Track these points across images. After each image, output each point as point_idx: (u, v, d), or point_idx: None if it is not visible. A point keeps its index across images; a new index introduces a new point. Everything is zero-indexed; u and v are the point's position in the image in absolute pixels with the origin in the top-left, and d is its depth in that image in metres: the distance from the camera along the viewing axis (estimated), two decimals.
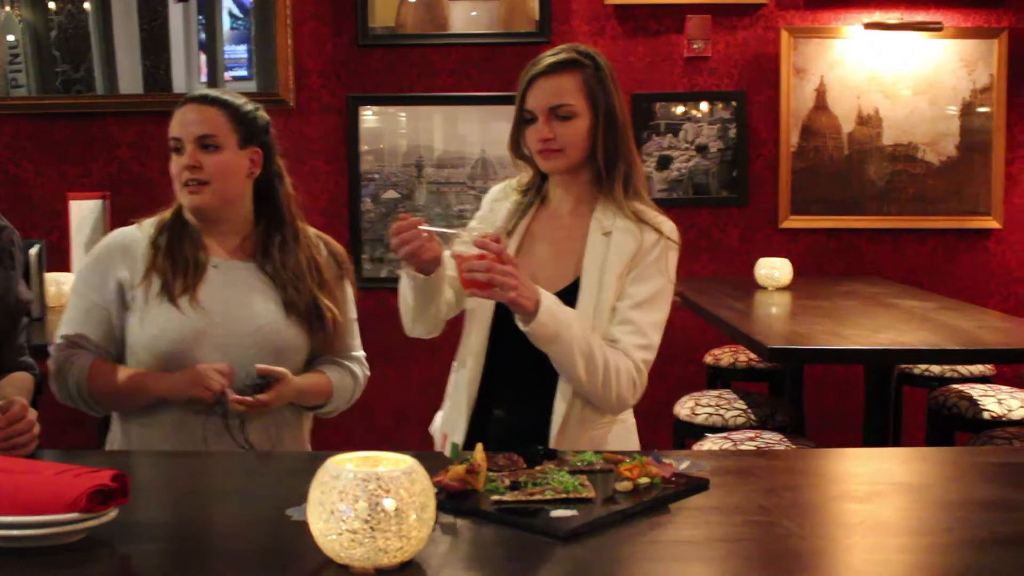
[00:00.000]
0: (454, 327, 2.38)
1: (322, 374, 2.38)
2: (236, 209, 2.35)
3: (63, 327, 2.31)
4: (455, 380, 2.34)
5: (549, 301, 2.07)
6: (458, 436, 2.25)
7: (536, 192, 2.34)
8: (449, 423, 2.31)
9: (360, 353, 2.49)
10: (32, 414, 1.89)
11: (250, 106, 2.36)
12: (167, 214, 2.37)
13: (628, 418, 2.32)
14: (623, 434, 2.29)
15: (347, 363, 2.44)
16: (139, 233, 2.35)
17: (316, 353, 2.41)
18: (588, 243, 2.23)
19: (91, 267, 2.35)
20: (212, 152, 2.28)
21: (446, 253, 2.16)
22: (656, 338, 2.21)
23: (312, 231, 2.44)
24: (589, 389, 2.13)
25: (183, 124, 2.30)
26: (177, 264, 2.29)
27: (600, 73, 2.22)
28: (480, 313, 2.26)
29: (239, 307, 2.30)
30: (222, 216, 2.34)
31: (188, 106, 2.32)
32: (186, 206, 2.32)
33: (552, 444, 2.17)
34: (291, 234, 2.37)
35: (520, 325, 2.07)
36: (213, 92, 2.36)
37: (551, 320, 2.06)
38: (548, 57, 2.23)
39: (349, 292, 2.46)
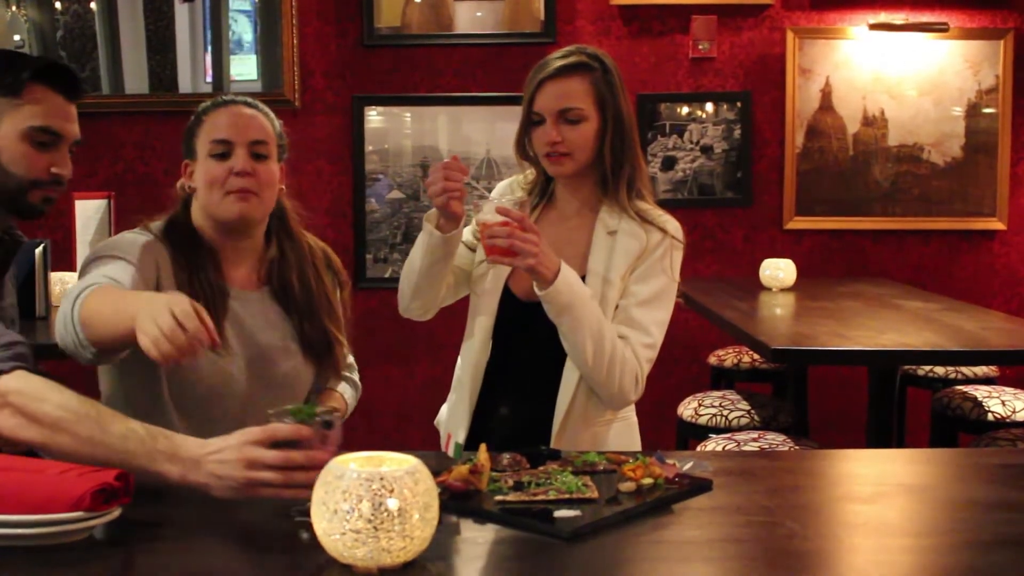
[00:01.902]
0: (458, 325, 2.39)
1: (336, 392, 2.30)
2: (262, 227, 2.17)
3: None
4: (459, 376, 2.35)
5: (568, 273, 2.10)
6: (462, 433, 2.26)
7: (541, 193, 2.35)
8: (453, 420, 2.32)
9: (351, 359, 2.39)
10: None
11: (273, 115, 2.20)
12: (174, 224, 2.13)
13: (630, 415, 2.33)
14: (625, 431, 2.30)
15: (348, 374, 2.36)
16: (157, 243, 2.08)
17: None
18: (593, 242, 2.24)
19: (126, 248, 2.02)
20: (262, 161, 2.09)
21: (471, 231, 2.19)
22: (659, 337, 2.22)
23: (311, 239, 2.28)
24: (594, 374, 2.14)
25: (235, 126, 2.09)
26: (203, 296, 2.02)
27: (608, 76, 2.23)
28: (484, 308, 2.27)
29: (262, 349, 2.12)
30: (250, 233, 2.14)
31: (235, 108, 2.12)
32: (230, 215, 2.07)
33: (554, 440, 2.18)
34: (302, 256, 2.21)
35: (537, 290, 2.10)
36: (252, 99, 2.17)
37: (567, 290, 2.08)
38: (557, 60, 2.23)
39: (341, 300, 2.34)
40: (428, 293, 2.27)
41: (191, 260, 2.07)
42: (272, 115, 2.18)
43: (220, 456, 1.59)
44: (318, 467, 1.41)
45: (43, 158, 1.99)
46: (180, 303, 1.63)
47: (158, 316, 1.60)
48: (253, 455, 1.57)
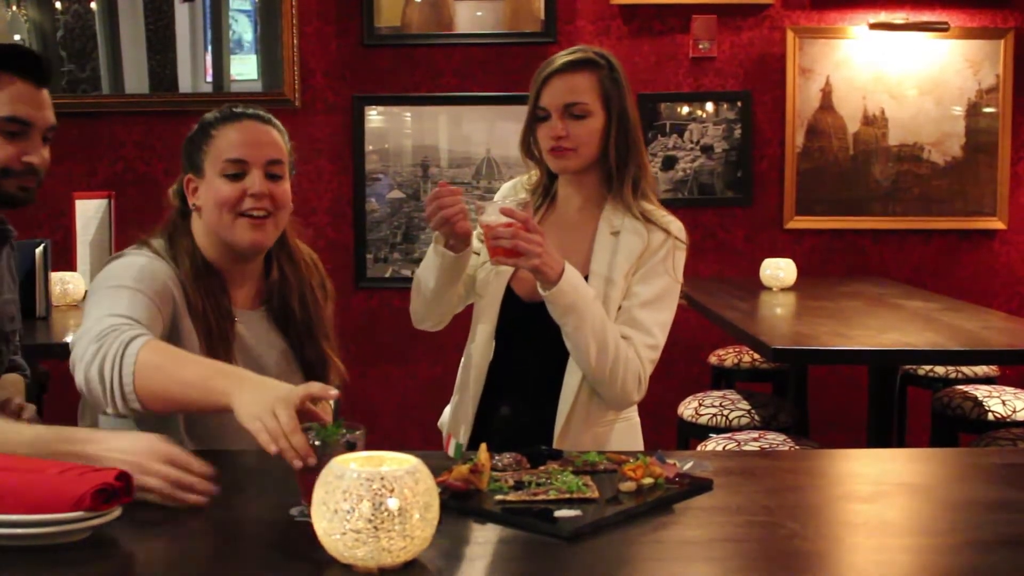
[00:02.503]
0: (459, 325, 2.39)
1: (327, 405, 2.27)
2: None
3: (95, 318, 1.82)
4: (463, 377, 2.35)
5: (572, 273, 2.10)
6: (464, 434, 2.26)
7: (544, 193, 2.35)
8: (455, 420, 2.32)
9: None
10: (29, 411, 1.87)
11: (283, 127, 2.10)
12: (177, 243, 2.02)
13: (632, 416, 2.33)
14: (628, 432, 2.30)
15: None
16: (167, 268, 1.97)
17: None
18: (596, 242, 2.24)
19: (143, 278, 1.91)
20: (278, 181, 1.99)
21: (475, 235, 2.20)
22: (662, 338, 2.22)
23: (305, 251, 2.19)
24: (597, 374, 2.13)
25: (251, 145, 1.98)
26: (215, 325, 1.97)
27: (615, 74, 2.25)
28: (487, 310, 2.28)
29: (267, 370, 2.01)
30: (258, 256, 2.06)
31: (249, 123, 2.00)
32: (242, 242, 1.98)
33: (556, 441, 2.18)
34: (302, 278, 2.12)
35: (540, 291, 2.10)
36: (263, 112, 2.06)
37: (571, 290, 2.08)
38: (564, 56, 2.25)
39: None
40: (442, 307, 2.28)
41: (200, 286, 1.97)
42: (282, 127, 2.08)
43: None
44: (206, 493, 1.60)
45: (13, 148, 1.94)
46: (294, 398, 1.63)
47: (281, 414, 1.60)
48: (147, 465, 1.59)
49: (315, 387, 1.66)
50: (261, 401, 1.61)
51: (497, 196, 2.41)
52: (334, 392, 1.65)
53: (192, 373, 1.72)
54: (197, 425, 1.97)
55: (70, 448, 1.63)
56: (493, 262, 2.12)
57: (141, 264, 1.94)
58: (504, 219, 2.04)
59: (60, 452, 1.62)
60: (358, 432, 1.61)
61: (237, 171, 1.96)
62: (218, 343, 1.95)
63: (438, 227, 2.12)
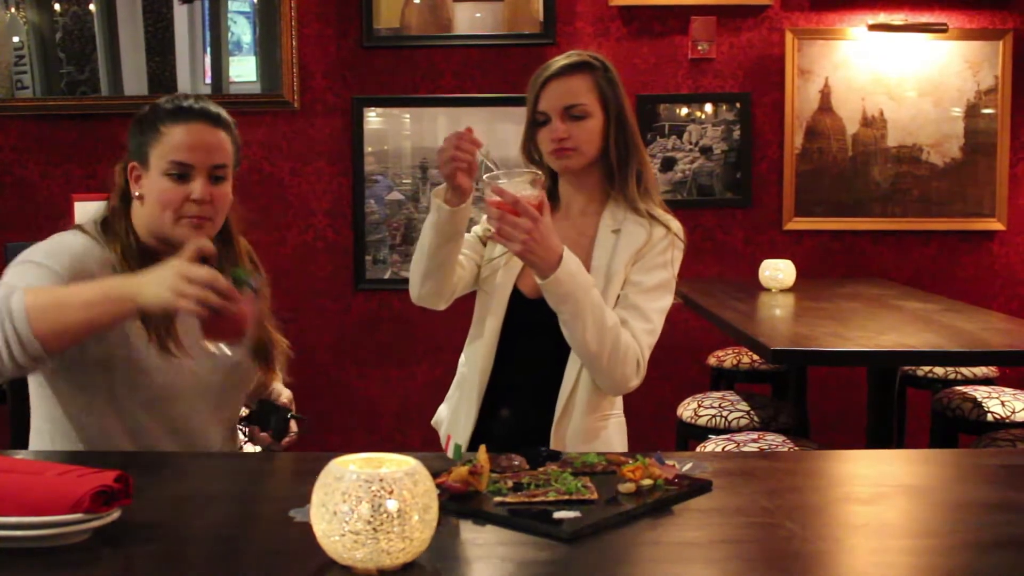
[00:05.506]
0: (458, 327, 2.39)
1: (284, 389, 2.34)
2: None
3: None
4: (464, 374, 2.35)
5: (571, 261, 2.08)
6: (464, 435, 2.26)
7: (549, 195, 2.35)
8: (455, 422, 2.32)
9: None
10: None
11: (232, 120, 2.09)
12: (112, 226, 2.04)
13: (620, 413, 2.35)
14: (620, 429, 2.32)
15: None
16: (97, 248, 2.02)
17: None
18: (597, 240, 2.26)
19: (57, 254, 1.96)
20: (220, 184, 2.02)
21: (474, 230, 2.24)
22: (659, 324, 2.25)
23: (244, 248, 2.21)
24: (596, 362, 2.14)
25: (198, 150, 1.99)
26: None
27: (610, 75, 2.28)
28: (494, 308, 2.28)
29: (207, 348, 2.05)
30: None
31: (198, 126, 2.01)
32: (181, 240, 1.96)
33: (553, 430, 2.22)
34: (236, 263, 2.12)
35: (536, 279, 2.10)
36: (212, 107, 2.06)
37: (568, 279, 2.07)
38: (560, 60, 2.27)
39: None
40: (438, 275, 2.24)
41: (135, 266, 1.96)
42: (232, 125, 2.08)
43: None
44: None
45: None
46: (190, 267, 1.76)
47: (190, 272, 1.73)
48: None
49: (197, 243, 1.82)
50: (164, 279, 1.73)
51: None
52: (206, 244, 1.83)
53: (88, 293, 1.79)
54: (140, 394, 2.01)
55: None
56: (494, 238, 2.13)
57: (62, 241, 2.00)
58: (498, 198, 2.03)
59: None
60: (260, 279, 1.92)
61: (182, 172, 1.99)
62: (159, 319, 1.95)
63: (443, 165, 2.11)
